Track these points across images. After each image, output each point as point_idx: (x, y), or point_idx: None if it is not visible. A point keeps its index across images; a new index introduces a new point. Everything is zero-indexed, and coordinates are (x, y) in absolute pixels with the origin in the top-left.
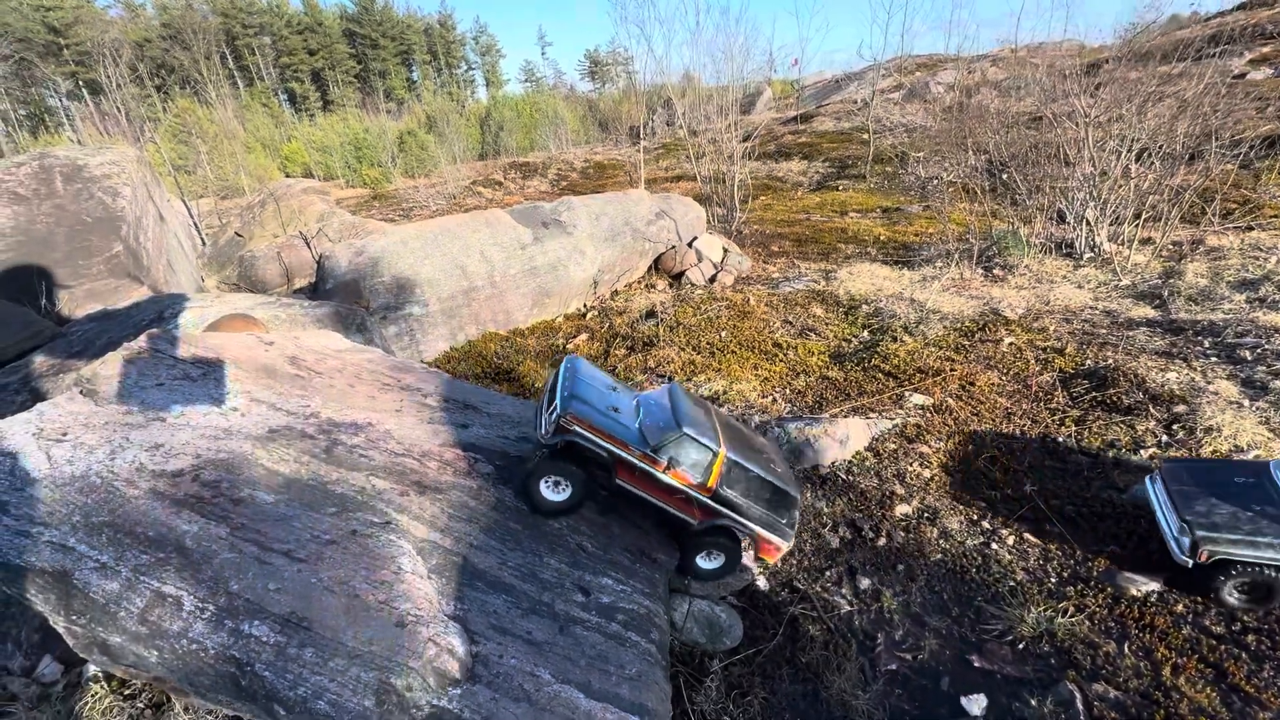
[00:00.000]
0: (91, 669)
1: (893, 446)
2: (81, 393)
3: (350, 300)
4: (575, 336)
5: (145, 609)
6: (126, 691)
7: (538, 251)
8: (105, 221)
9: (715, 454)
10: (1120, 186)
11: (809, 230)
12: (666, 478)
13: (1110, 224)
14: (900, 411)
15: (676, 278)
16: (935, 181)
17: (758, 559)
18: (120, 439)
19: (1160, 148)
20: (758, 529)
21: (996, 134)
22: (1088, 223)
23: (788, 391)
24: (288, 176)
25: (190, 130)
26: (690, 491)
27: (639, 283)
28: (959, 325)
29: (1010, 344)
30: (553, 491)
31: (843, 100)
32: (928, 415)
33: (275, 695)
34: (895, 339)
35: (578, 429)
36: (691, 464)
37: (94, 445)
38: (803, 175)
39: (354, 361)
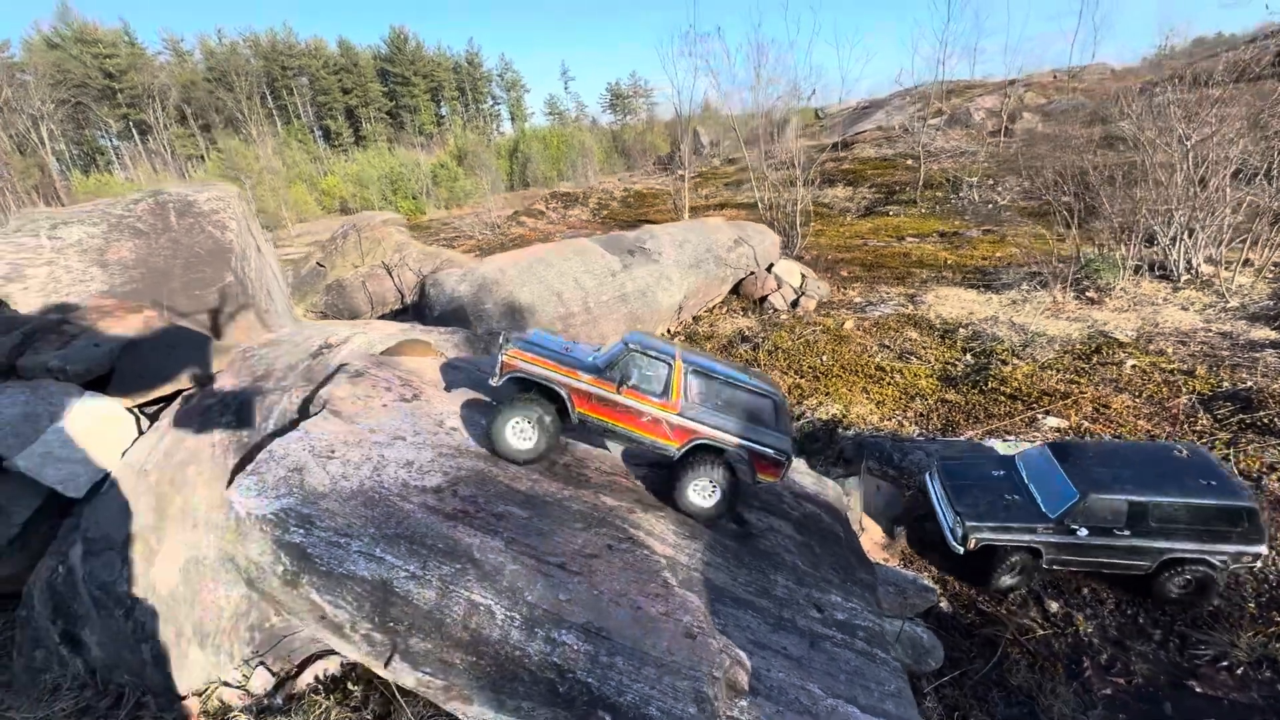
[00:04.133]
0: (307, 679)
1: None
2: (330, 412)
3: (456, 324)
4: None
5: (465, 617)
6: (351, 703)
7: (627, 279)
8: (216, 254)
9: (671, 363)
10: (1219, 208)
11: (870, 255)
12: (624, 399)
13: (1206, 246)
14: (1036, 434)
15: (758, 303)
16: (995, 206)
17: (756, 482)
18: (377, 456)
19: (1265, 168)
20: (745, 442)
21: (1079, 157)
22: (1183, 245)
23: (909, 414)
24: (324, 210)
25: (235, 166)
26: (654, 411)
27: (719, 308)
28: (1069, 348)
29: (1133, 366)
30: (519, 439)
31: (880, 127)
32: (1066, 438)
33: (602, 701)
34: (1004, 362)
35: (520, 362)
36: (647, 380)
37: (359, 462)
38: (849, 201)
39: None
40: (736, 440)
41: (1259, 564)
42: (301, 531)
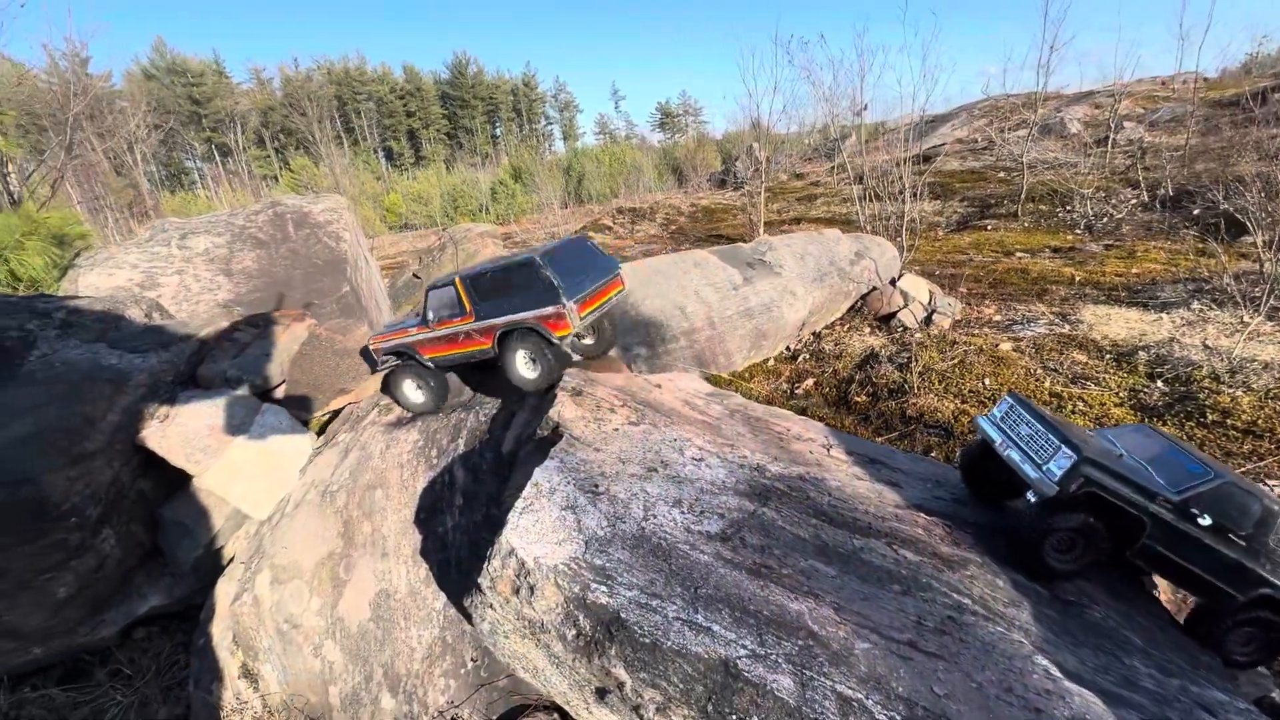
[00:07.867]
0: None
1: None
2: (572, 438)
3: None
4: (801, 381)
5: (842, 717)
6: None
7: (750, 292)
8: (333, 264)
9: (453, 283)
10: None
11: (981, 271)
12: (441, 330)
13: None
14: None
15: (884, 320)
16: (1112, 219)
17: (559, 339)
18: (640, 492)
19: None
20: (530, 315)
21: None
22: None
23: None
24: (389, 227)
25: (307, 185)
26: (463, 328)
27: (840, 324)
28: None
29: None
30: (415, 394)
31: (960, 140)
32: None
33: None
34: (1213, 390)
35: (380, 343)
36: (449, 307)
37: (626, 500)
38: (938, 216)
39: (723, 405)
40: (520, 316)
41: None
42: (605, 589)
